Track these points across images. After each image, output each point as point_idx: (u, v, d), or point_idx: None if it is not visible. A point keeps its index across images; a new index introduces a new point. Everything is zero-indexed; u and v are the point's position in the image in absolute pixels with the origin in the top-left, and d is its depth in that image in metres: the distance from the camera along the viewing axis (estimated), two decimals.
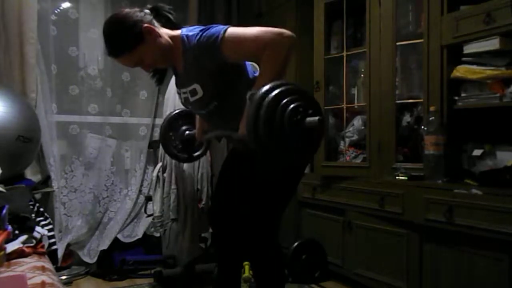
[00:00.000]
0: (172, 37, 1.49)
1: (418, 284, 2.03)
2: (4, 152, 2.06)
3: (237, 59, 1.45)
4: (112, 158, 3.10)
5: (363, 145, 2.48)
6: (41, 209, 2.18)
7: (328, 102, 2.69)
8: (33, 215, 1.99)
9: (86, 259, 2.86)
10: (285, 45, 1.35)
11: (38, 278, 1.32)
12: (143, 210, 3.02)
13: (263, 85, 1.24)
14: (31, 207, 2.05)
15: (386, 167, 2.28)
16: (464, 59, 1.95)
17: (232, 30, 1.39)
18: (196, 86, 1.49)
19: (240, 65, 1.52)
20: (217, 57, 1.40)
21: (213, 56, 1.40)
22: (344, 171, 2.53)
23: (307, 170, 2.64)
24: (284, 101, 1.17)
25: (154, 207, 2.69)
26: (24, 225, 1.75)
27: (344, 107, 2.61)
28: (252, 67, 1.60)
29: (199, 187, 2.85)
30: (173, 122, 1.96)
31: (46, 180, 2.70)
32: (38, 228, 1.81)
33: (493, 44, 1.80)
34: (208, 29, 1.42)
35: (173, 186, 2.76)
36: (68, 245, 2.81)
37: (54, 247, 2.16)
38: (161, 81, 1.66)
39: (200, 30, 1.44)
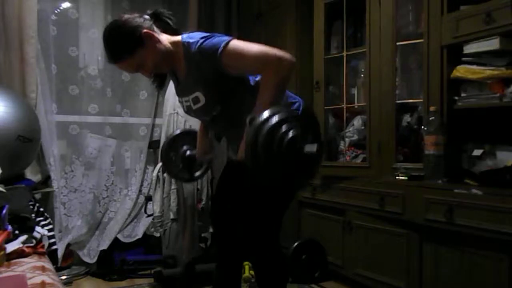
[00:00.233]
0: (173, 43, 1.49)
1: (418, 284, 2.03)
2: (4, 152, 2.07)
3: (236, 73, 1.44)
4: (112, 158, 3.10)
5: (363, 145, 2.48)
6: (41, 209, 2.18)
7: (328, 102, 2.69)
8: (33, 215, 1.99)
9: (86, 259, 2.86)
10: (286, 68, 1.36)
11: (38, 278, 1.32)
12: (143, 210, 3.02)
13: (263, 109, 1.25)
14: (31, 207, 2.06)
15: (386, 167, 2.28)
16: (464, 59, 1.95)
17: (234, 44, 1.39)
18: (198, 94, 1.49)
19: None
20: (217, 67, 1.40)
21: (214, 66, 1.40)
22: (344, 171, 2.53)
23: None
24: (284, 128, 1.16)
25: (154, 207, 2.70)
26: (24, 225, 1.75)
27: (344, 107, 2.61)
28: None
29: (199, 187, 2.85)
30: (174, 142, 1.96)
31: (46, 180, 2.70)
32: (38, 228, 1.82)
33: (493, 44, 1.80)
34: (210, 38, 1.42)
35: (173, 186, 2.76)
36: (68, 245, 2.82)
37: (54, 247, 2.16)
38: (161, 86, 1.66)
39: (202, 38, 1.43)
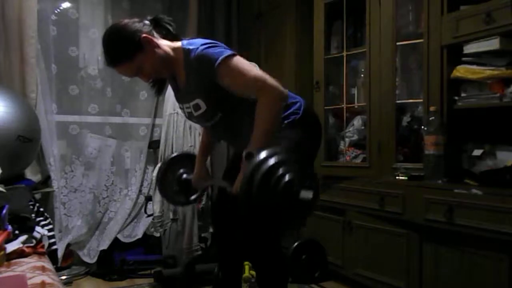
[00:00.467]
0: (173, 49, 1.50)
1: (418, 284, 2.03)
2: (4, 152, 2.07)
3: (229, 88, 1.45)
4: (112, 158, 3.10)
5: (363, 145, 2.48)
6: (41, 209, 2.18)
7: (328, 102, 2.69)
8: (33, 215, 1.99)
9: (86, 259, 2.86)
10: (280, 99, 1.39)
11: (38, 278, 1.32)
12: (143, 210, 3.02)
13: (259, 142, 1.30)
14: (31, 207, 2.06)
15: (386, 167, 2.28)
16: (464, 59, 1.95)
17: (234, 61, 1.40)
18: (199, 101, 1.50)
19: None
20: (213, 78, 1.41)
21: (211, 76, 1.41)
22: (344, 171, 2.53)
23: None
24: (281, 171, 1.15)
25: (154, 207, 2.70)
26: (24, 225, 1.75)
27: (344, 107, 2.61)
28: None
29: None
30: (171, 164, 1.94)
31: (46, 180, 2.70)
32: (38, 228, 1.82)
33: (493, 44, 1.80)
34: (211, 46, 1.42)
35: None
36: (68, 245, 2.82)
37: (54, 247, 2.16)
38: (160, 91, 1.66)
39: (202, 44, 1.43)
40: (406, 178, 2.13)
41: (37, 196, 2.50)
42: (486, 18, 1.79)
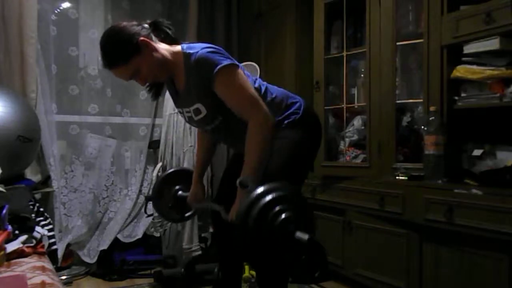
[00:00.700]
0: (172, 53, 1.50)
1: (418, 284, 2.03)
2: (4, 152, 2.07)
3: (222, 98, 1.46)
4: (112, 158, 3.10)
5: (363, 145, 2.48)
6: (41, 209, 2.18)
7: (328, 102, 2.69)
8: (33, 215, 1.99)
9: (86, 259, 2.85)
10: (270, 125, 1.42)
11: (38, 278, 1.32)
12: (143, 210, 3.02)
13: (252, 170, 1.33)
14: (31, 207, 2.06)
15: (386, 167, 2.28)
16: (464, 59, 1.95)
17: (231, 74, 1.41)
18: (199, 106, 1.50)
19: None
20: (210, 84, 1.42)
21: (209, 82, 1.42)
22: (344, 171, 2.53)
23: None
24: (277, 208, 1.15)
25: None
26: (24, 225, 1.75)
27: (344, 107, 2.61)
28: (252, 77, 1.60)
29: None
30: (167, 180, 1.94)
31: (46, 180, 2.70)
32: (38, 228, 1.81)
33: (493, 44, 1.80)
34: (212, 52, 1.42)
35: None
36: (68, 245, 2.81)
37: (54, 247, 2.16)
38: (157, 95, 1.66)
39: (203, 48, 1.43)
40: (406, 178, 2.13)
41: (37, 196, 2.50)
42: (486, 18, 1.79)
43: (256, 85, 1.57)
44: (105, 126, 3.06)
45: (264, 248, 1.16)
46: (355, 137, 2.58)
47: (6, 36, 2.57)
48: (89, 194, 2.98)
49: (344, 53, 2.59)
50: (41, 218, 2.12)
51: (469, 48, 1.91)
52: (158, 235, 2.93)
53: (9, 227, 1.62)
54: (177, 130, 2.91)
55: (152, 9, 3.22)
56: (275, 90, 1.62)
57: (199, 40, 3.18)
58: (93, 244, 2.92)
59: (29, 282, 1.27)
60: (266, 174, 1.51)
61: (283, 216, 1.14)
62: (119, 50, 1.42)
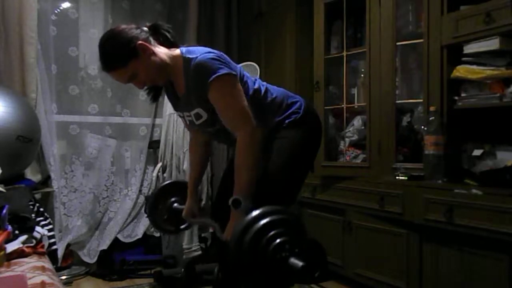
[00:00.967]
0: (171, 57, 1.49)
1: (418, 284, 2.03)
2: (4, 152, 2.07)
3: (214, 106, 1.46)
4: (112, 158, 3.10)
5: (363, 145, 2.48)
6: (41, 209, 2.18)
7: (328, 102, 2.69)
8: (33, 215, 1.99)
9: (86, 259, 2.86)
10: (258, 136, 1.42)
11: (38, 278, 1.32)
12: (143, 210, 3.02)
13: (243, 188, 1.35)
14: (31, 207, 2.06)
15: (386, 167, 2.28)
16: (464, 59, 1.95)
17: (227, 85, 1.41)
18: (199, 110, 1.51)
19: (241, 83, 1.52)
20: (205, 90, 1.42)
21: (205, 88, 1.42)
22: (344, 171, 2.53)
23: None
24: (271, 233, 1.14)
25: None
26: (24, 225, 1.75)
27: (344, 107, 2.61)
28: (251, 78, 1.60)
29: (199, 187, 2.85)
30: (163, 192, 1.94)
31: (46, 180, 2.70)
32: (38, 228, 1.82)
33: (493, 44, 1.80)
34: (211, 58, 1.42)
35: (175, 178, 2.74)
36: (68, 245, 2.81)
37: (54, 247, 2.16)
38: (156, 98, 1.66)
39: (202, 54, 1.43)
40: (406, 178, 2.13)
41: (37, 196, 2.50)
42: (486, 18, 1.79)
43: (256, 85, 1.57)
44: (105, 126, 3.06)
45: (257, 273, 1.15)
46: (355, 137, 2.58)
47: (6, 36, 2.57)
48: (89, 194, 2.98)
49: (344, 53, 2.59)
50: (41, 218, 2.12)
51: (469, 48, 1.91)
52: (158, 235, 2.93)
53: (9, 227, 1.62)
54: (177, 130, 2.92)
55: (152, 9, 3.22)
56: (275, 90, 1.62)
57: (199, 40, 3.18)
58: (93, 244, 2.92)
59: (29, 282, 1.27)
60: (266, 174, 1.51)
61: (277, 241, 1.13)
62: (117, 53, 1.42)
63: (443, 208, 1.84)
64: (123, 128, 3.15)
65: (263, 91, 1.57)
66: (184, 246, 2.84)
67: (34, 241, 1.69)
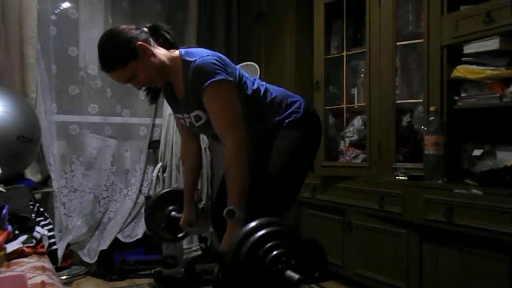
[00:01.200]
0: (171, 58, 1.49)
1: (418, 284, 2.03)
2: (4, 152, 2.07)
3: (207, 111, 1.46)
4: (112, 158, 3.10)
5: (363, 145, 2.48)
6: (41, 209, 2.18)
7: (328, 102, 2.69)
8: (33, 215, 1.99)
9: (86, 259, 2.86)
10: (245, 145, 1.42)
11: (38, 278, 1.32)
12: (143, 210, 3.02)
13: (236, 198, 1.35)
14: (31, 207, 2.06)
15: (386, 167, 2.28)
16: (464, 59, 1.95)
17: (222, 91, 1.41)
18: (199, 112, 1.51)
19: (239, 85, 1.52)
20: (201, 94, 1.42)
21: (201, 92, 1.42)
22: (344, 171, 2.53)
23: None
24: (268, 244, 1.14)
25: None
26: (24, 225, 1.75)
27: (344, 107, 2.61)
28: (250, 78, 1.60)
29: (199, 187, 2.85)
30: (160, 200, 1.93)
31: (46, 180, 2.70)
32: (38, 228, 1.82)
33: (493, 44, 1.80)
34: (210, 62, 1.41)
35: (173, 186, 2.76)
36: (68, 245, 2.81)
37: (54, 247, 2.16)
38: (154, 99, 1.66)
39: (201, 57, 1.43)
40: (406, 178, 2.13)
41: (37, 196, 2.50)
42: (486, 18, 1.79)
43: (255, 85, 1.57)
44: (105, 126, 3.06)
45: (254, 284, 1.15)
46: (355, 137, 2.58)
47: (6, 36, 2.57)
48: (89, 194, 2.98)
49: (344, 53, 2.59)
50: (41, 218, 2.12)
51: (469, 48, 1.91)
52: None
53: (9, 227, 1.62)
54: (177, 130, 2.91)
55: (152, 9, 3.22)
56: (275, 90, 1.62)
57: (199, 40, 3.19)
58: (93, 244, 2.92)
59: (29, 282, 1.27)
60: (266, 174, 1.51)
61: (274, 253, 1.13)
62: (117, 53, 1.42)
63: (443, 208, 1.84)
64: (123, 128, 3.15)
65: (262, 91, 1.58)
66: (184, 246, 2.85)
67: (34, 241, 1.69)
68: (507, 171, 1.79)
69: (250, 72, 1.72)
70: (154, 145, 3.17)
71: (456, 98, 2.00)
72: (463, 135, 2.05)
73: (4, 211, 1.62)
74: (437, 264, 1.93)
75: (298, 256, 1.19)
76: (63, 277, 2.66)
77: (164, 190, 1.99)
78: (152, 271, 2.66)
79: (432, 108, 2.01)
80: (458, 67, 1.96)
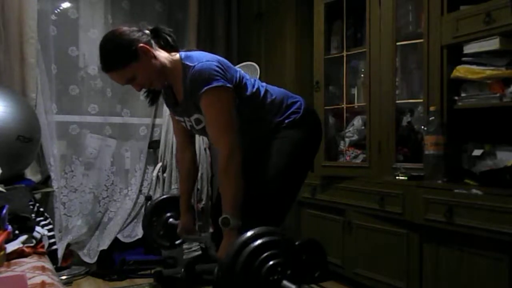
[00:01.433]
0: (171, 61, 1.50)
1: (418, 284, 2.03)
2: (4, 152, 2.07)
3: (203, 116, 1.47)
4: (112, 158, 3.10)
5: (363, 145, 2.48)
6: (41, 209, 2.18)
7: (328, 102, 2.69)
8: (33, 215, 1.99)
9: (86, 259, 2.86)
10: (237, 151, 1.42)
11: (38, 278, 1.32)
12: (143, 210, 3.02)
13: (230, 205, 1.36)
14: (31, 207, 2.05)
15: (386, 167, 2.28)
16: (464, 59, 1.95)
17: (218, 99, 1.41)
18: (199, 116, 1.51)
19: (239, 87, 1.52)
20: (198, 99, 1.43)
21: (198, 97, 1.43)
22: (344, 171, 2.53)
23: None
24: (265, 254, 1.14)
25: None
26: (24, 225, 1.75)
27: (344, 107, 2.61)
28: (251, 79, 1.60)
29: (199, 187, 2.85)
30: (158, 207, 1.94)
31: (46, 180, 2.70)
32: (38, 228, 1.81)
33: (493, 44, 1.80)
34: (208, 67, 1.41)
35: (173, 186, 2.76)
36: (68, 245, 2.81)
37: (54, 247, 2.16)
38: (154, 101, 1.66)
39: (200, 62, 1.43)
40: (406, 178, 2.13)
41: (37, 196, 2.50)
42: (486, 18, 1.79)
43: (255, 87, 1.57)
44: (105, 126, 3.06)
45: None
46: (355, 137, 2.58)
47: (6, 36, 2.57)
48: (89, 194, 2.98)
49: (344, 53, 2.59)
50: (41, 218, 2.12)
51: (469, 48, 1.91)
52: None
53: (9, 227, 1.62)
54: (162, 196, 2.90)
55: (152, 9, 3.22)
56: (275, 91, 1.62)
57: (199, 40, 3.19)
58: (93, 244, 2.92)
59: (29, 282, 1.27)
60: (266, 173, 1.51)
61: (270, 263, 1.13)
62: (118, 55, 1.42)
63: (443, 208, 1.84)
64: (123, 128, 3.15)
65: (262, 92, 1.58)
66: (184, 246, 2.84)
67: (34, 241, 1.69)
68: (507, 171, 1.79)
69: (250, 72, 1.72)
70: (154, 145, 3.17)
71: (456, 98, 2.00)
72: (463, 135, 2.05)
73: (4, 211, 1.62)
74: (437, 264, 1.93)
75: (294, 266, 1.19)
76: (63, 277, 2.66)
77: (161, 197, 1.99)
78: (152, 271, 2.65)
79: (432, 108, 2.01)
80: (458, 67, 1.96)
